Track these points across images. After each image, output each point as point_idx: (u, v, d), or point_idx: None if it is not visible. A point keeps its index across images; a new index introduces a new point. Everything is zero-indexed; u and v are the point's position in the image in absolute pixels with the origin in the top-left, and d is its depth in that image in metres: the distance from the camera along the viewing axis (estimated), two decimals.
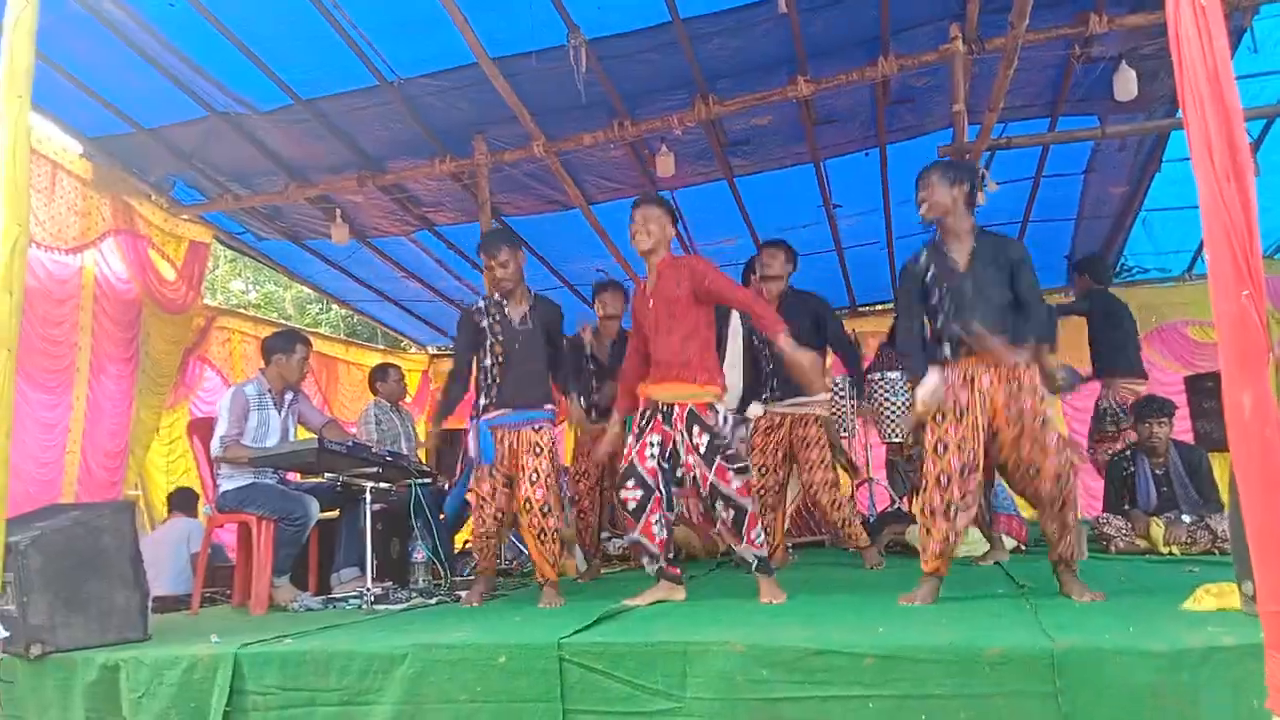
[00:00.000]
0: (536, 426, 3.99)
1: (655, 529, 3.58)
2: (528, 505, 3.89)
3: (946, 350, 3.30)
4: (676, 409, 3.61)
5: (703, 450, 3.52)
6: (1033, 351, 3.21)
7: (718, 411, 3.62)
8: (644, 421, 3.68)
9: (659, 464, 3.61)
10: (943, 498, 3.19)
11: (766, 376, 4.81)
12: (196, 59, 5.19)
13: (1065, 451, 3.19)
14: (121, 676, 3.09)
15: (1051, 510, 3.20)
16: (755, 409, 4.75)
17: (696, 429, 3.55)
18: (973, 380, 3.22)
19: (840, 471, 5.22)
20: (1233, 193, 1.85)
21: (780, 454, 4.76)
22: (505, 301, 4.13)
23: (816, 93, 5.42)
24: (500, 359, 4.07)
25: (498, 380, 4.05)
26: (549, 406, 4.08)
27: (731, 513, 3.52)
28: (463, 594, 4.34)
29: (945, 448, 3.21)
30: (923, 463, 3.32)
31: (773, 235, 5.41)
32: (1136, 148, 6.42)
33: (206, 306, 7.72)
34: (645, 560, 3.67)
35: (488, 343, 4.07)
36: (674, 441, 3.61)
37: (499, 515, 4.05)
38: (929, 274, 3.38)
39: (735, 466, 3.55)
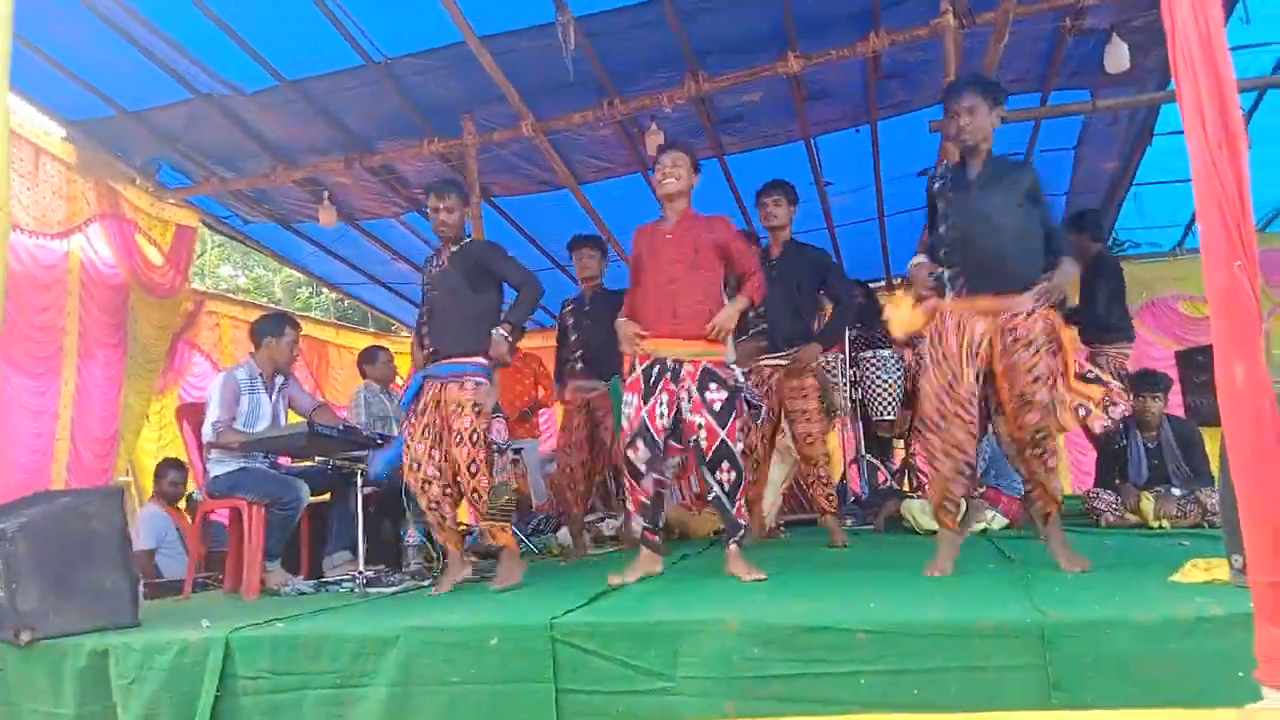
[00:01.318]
0: (462, 383, 3.83)
1: (651, 489, 3.54)
2: (455, 467, 3.79)
3: (946, 279, 3.24)
4: (688, 366, 3.54)
5: (718, 408, 3.47)
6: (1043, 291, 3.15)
7: (732, 369, 3.60)
8: (652, 381, 3.57)
9: (666, 424, 3.54)
10: (936, 438, 3.16)
11: (761, 326, 4.66)
12: (180, 41, 5.13)
13: (1054, 409, 3.12)
14: (111, 662, 3.07)
15: (1032, 453, 3.15)
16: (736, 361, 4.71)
17: (713, 385, 3.50)
18: (964, 329, 3.16)
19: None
20: (1225, 161, 1.83)
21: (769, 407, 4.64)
22: (441, 251, 4.03)
23: (807, 68, 5.38)
24: (428, 309, 4.00)
25: (428, 332, 3.98)
26: (479, 360, 3.86)
27: (733, 475, 3.48)
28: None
29: (935, 391, 3.17)
30: (916, 439, 3.32)
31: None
32: (1128, 121, 6.40)
33: (195, 291, 7.68)
34: (638, 523, 3.63)
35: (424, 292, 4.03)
36: (679, 400, 3.54)
37: (431, 480, 3.83)
38: (939, 185, 3.35)
39: (753, 415, 3.61)
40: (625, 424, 3.62)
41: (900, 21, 5.15)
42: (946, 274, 3.25)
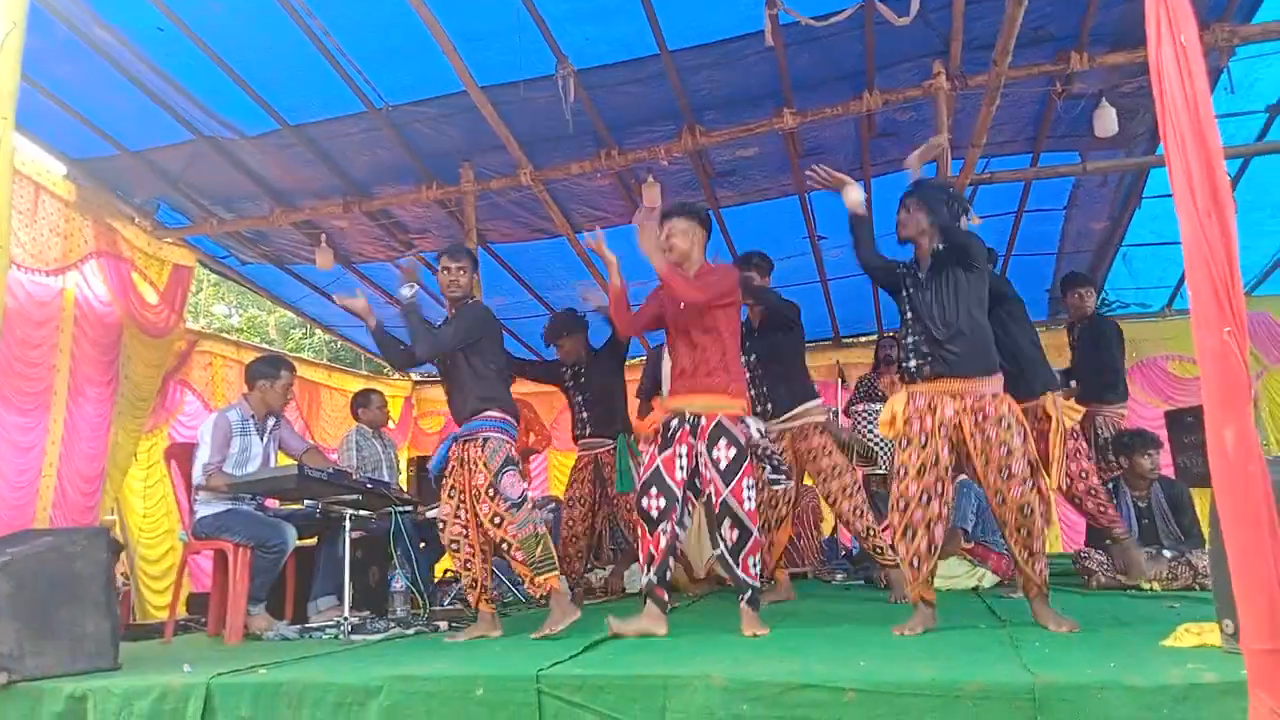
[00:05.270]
0: (476, 439, 3.81)
1: (663, 541, 3.46)
2: (479, 523, 3.79)
3: (912, 366, 3.38)
4: (704, 420, 3.53)
5: (723, 466, 3.45)
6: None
7: (748, 425, 3.58)
8: (670, 433, 3.59)
9: (685, 476, 3.52)
10: (901, 520, 3.28)
11: (759, 395, 4.66)
12: (184, 83, 5.18)
13: (1034, 481, 3.25)
14: (89, 706, 3.01)
15: (1018, 536, 3.25)
16: (755, 423, 4.72)
17: (724, 442, 3.48)
18: (935, 409, 3.28)
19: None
20: (1214, 229, 1.86)
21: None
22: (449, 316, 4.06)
23: (802, 125, 5.47)
24: (442, 376, 4.04)
25: (447, 399, 4.04)
26: (492, 414, 3.86)
27: (736, 534, 3.44)
28: (442, 624, 4.29)
29: (905, 472, 3.28)
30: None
31: None
32: (1117, 184, 6.50)
33: (188, 330, 7.65)
34: (647, 577, 3.50)
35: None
36: (696, 454, 3.52)
37: (458, 540, 3.85)
38: (905, 281, 3.54)
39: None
40: (638, 473, 3.63)
41: (894, 82, 5.25)
42: (913, 363, 3.39)
